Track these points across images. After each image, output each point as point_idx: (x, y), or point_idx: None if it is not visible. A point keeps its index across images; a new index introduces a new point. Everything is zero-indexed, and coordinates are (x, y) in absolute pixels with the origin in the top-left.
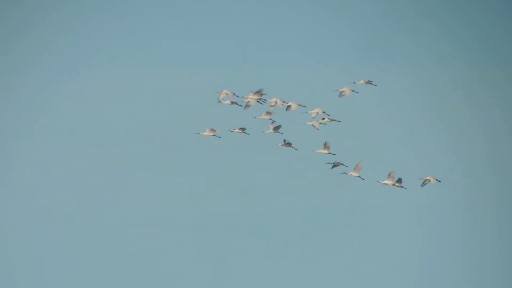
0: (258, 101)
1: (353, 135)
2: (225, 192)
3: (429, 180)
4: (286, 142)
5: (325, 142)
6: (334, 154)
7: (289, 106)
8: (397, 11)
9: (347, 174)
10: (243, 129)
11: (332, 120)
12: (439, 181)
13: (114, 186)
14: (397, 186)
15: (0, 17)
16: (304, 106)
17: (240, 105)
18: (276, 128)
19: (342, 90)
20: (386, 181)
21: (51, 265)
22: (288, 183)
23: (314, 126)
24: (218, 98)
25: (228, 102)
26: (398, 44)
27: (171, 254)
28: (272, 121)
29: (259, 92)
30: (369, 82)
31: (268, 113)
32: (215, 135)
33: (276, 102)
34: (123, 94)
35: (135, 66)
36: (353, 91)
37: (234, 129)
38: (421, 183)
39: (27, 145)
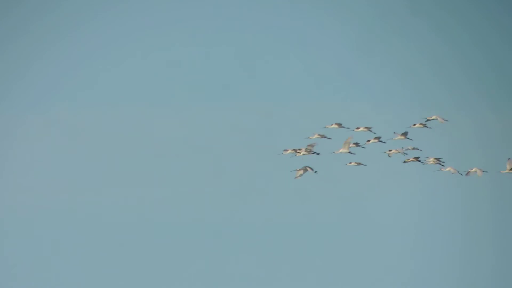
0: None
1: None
2: (223, 197)
3: (476, 172)
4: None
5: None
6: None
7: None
8: (393, 13)
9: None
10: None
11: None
12: (486, 172)
13: (113, 183)
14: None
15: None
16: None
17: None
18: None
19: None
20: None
21: (48, 261)
22: (286, 186)
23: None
24: None
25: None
26: (394, 45)
27: (171, 256)
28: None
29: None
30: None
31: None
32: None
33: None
34: (124, 94)
35: (136, 67)
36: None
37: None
38: (465, 173)
39: (25, 142)
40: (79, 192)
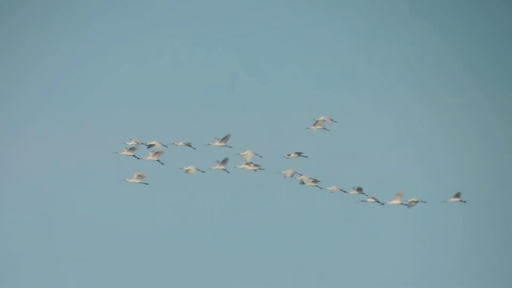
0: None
1: (352, 138)
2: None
3: (416, 202)
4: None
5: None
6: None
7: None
8: (395, 13)
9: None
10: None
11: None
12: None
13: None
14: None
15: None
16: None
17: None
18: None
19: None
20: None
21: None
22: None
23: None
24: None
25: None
26: (396, 46)
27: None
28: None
29: (226, 139)
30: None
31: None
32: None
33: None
34: (124, 95)
35: (135, 68)
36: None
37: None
38: (408, 204)
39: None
40: (80, 193)
